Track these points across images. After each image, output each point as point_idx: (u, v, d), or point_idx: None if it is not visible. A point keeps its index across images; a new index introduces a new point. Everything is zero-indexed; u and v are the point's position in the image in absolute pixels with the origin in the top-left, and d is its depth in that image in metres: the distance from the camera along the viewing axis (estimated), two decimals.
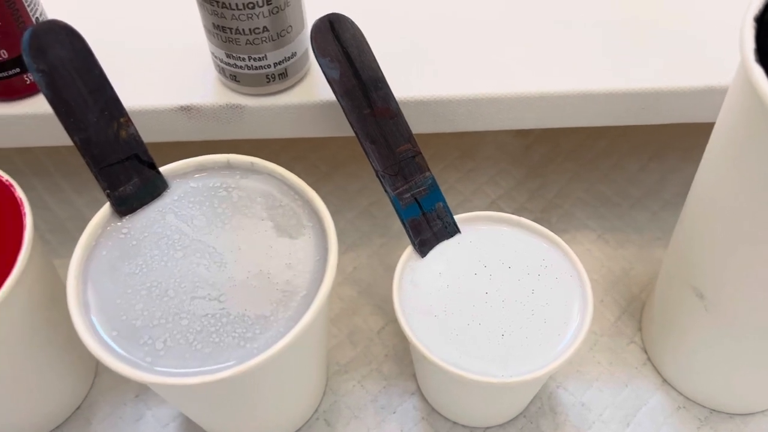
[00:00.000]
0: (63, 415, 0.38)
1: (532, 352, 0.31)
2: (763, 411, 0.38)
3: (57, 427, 0.38)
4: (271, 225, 0.31)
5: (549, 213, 0.45)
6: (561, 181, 0.47)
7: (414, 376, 0.39)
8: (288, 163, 0.33)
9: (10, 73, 0.34)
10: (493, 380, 0.30)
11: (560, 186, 0.46)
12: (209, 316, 0.28)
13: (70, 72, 0.29)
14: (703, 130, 0.32)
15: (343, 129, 0.37)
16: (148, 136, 0.32)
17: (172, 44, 0.38)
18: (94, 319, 0.28)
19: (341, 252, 0.44)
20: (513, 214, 0.36)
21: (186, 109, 0.36)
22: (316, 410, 0.38)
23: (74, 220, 0.46)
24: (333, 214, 0.31)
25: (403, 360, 0.40)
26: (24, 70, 0.35)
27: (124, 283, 0.29)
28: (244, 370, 0.26)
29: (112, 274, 0.29)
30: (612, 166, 0.47)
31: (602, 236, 0.44)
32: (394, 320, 0.42)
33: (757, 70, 0.23)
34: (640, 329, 0.41)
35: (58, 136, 0.36)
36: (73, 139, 0.30)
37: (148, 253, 0.30)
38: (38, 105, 0.36)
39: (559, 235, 0.35)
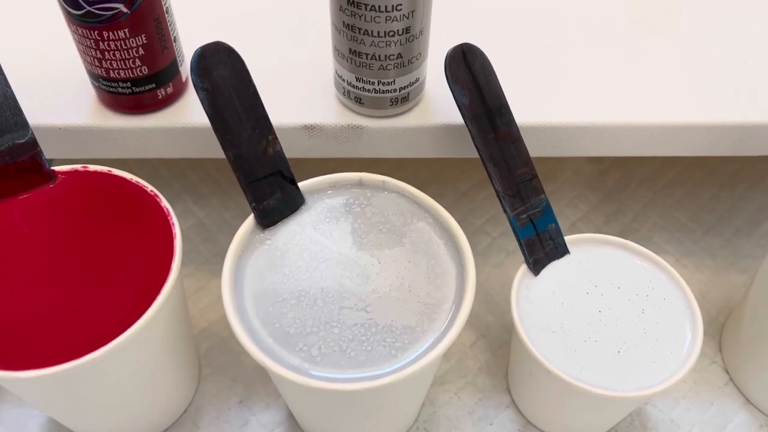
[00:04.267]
0: (171, 419, 0.40)
1: (648, 368, 0.33)
2: None
3: (167, 430, 0.39)
4: (406, 241, 0.33)
5: (627, 236, 0.47)
6: (636, 206, 0.49)
7: (507, 390, 0.41)
8: None
9: (146, 88, 0.36)
10: (614, 394, 0.32)
11: (636, 211, 0.49)
12: (358, 325, 0.30)
13: (229, 91, 0.31)
14: None
15: (454, 150, 0.39)
16: None
17: (293, 64, 0.40)
18: (253, 325, 0.29)
19: None
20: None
21: (309, 128, 0.37)
22: (416, 420, 0.40)
23: (196, 230, 0.48)
24: None
25: (496, 374, 0.42)
26: (158, 86, 0.36)
27: (274, 291, 0.31)
28: (403, 377, 0.28)
29: (261, 283, 0.31)
30: (685, 194, 0.49)
31: (680, 260, 0.46)
32: (484, 335, 0.43)
33: None
34: (720, 350, 0.43)
35: (180, 146, 0.39)
36: (227, 155, 0.31)
37: (293, 263, 0.32)
38: (165, 119, 0.37)
39: None
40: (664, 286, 0.36)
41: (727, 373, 0.42)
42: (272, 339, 0.29)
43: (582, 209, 0.49)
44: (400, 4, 0.32)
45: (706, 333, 0.43)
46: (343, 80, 0.36)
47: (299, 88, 0.39)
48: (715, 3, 0.44)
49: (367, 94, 0.36)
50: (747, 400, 0.41)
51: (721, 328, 0.44)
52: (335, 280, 0.31)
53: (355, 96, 0.37)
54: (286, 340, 0.29)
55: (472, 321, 0.44)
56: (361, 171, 0.35)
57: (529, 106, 0.37)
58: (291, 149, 0.38)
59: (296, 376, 0.28)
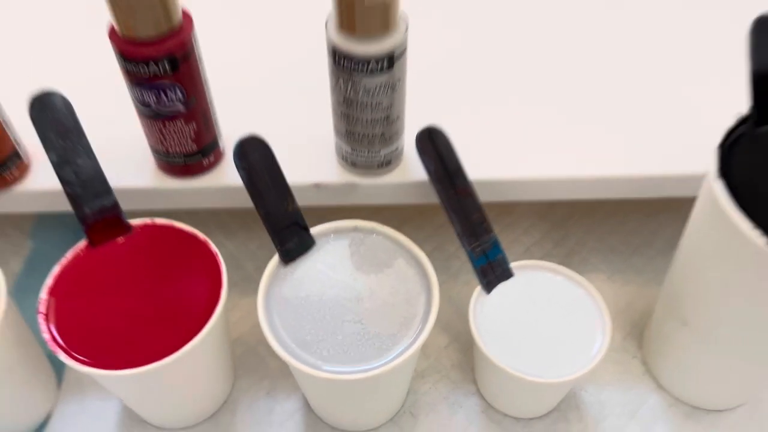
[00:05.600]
0: (215, 408, 0.51)
1: (569, 361, 0.45)
2: (731, 408, 0.51)
3: (212, 416, 0.51)
4: (390, 271, 0.45)
5: (570, 258, 0.59)
6: (578, 233, 0.61)
7: (474, 381, 0.53)
8: (368, 217, 0.47)
9: (194, 159, 0.48)
10: (542, 380, 0.44)
11: (578, 237, 0.61)
12: (355, 334, 0.42)
13: (261, 168, 0.43)
14: (686, 199, 0.46)
15: (426, 199, 0.51)
16: None
17: (306, 136, 0.52)
18: (280, 335, 0.41)
19: None
20: (542, 258, 0.50)
21: (317, 186, 0.49)
22: (403, 405, 0.52)
23: (228, 259, 0.59)
24: None
25: (464, 369, 0.54)
26: (203, 157, 0.48)
27: (294, 310, 0.43)
28: (387, 370, 0.40)
29: (285, 304, 0.43)
30: (617, 222, 0.61)
31: (611, 277, 0.58)
32: (456, 339, 0.55)
33: (718, 183, 0.37)
34: (640, 348, 0.55)
35: (218, 201, 0.51)
36: (259, 213, 0.43)
37: (308, 289, 0.44)
38: (207, 181, 0.50)
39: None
40: (583, 299, 0.47)
41: (645, 365, 0.54)
42: (294, 344, 0.41)
43: (535, 236, 0.61)
44: (381, 102, 0.44)
45: (630, 334, 0.55)
46: (342, 150, 0.48)
47: (309, 155, 0.51)
48: (620, 66, 0.56)
49: (359, 160, 0.48)
50: (659, 385, 0.53)
51: (641, 330, 0.55)
52: (338, 302, 0.43)
53: (351, 161, 0.49)
54: (304, 344, 0.41)
55: (446, 328, 0.56)
56: (360, 215, 0.48)
57: (480, 166, 0.49)
58: (304, 200, 0.50)
59: (311, 370, 0.40)
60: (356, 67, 0.42)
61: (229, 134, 0.49)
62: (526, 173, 0.50)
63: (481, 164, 0.49)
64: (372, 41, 0.41)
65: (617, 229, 0.61)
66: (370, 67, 0.41)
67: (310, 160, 0.50)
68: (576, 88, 0.55)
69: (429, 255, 0.59)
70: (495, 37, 0.60)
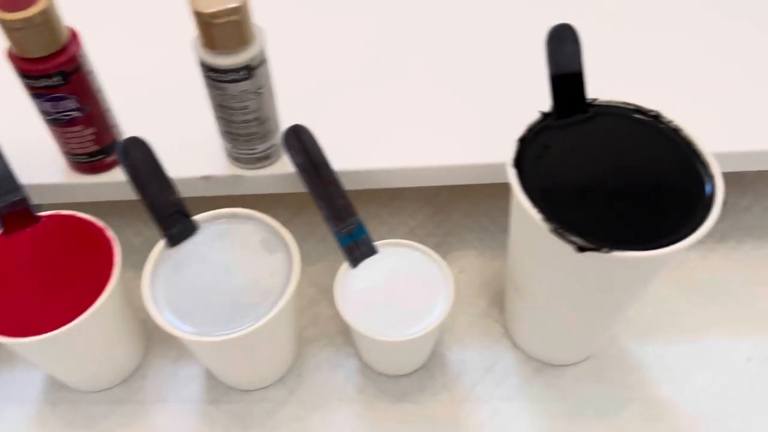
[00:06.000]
0: (128, 373, 0.59)
1: (417, 323, 0.52)
2: (574, 363, 0.59)
3: (124, 381, 0.59)
4: (260, 251, 0.52)
5: (449, 237, 0.67)
6: (456, 215, 0.68)
7: (353, 345, 0.61)
8: (267, 207, 0.54)
9: (98, 158, 0.56)
10: (390, 339, 0.52)
11: (456, 219, 0.68)
12: (226, 304, 0.49)
13: (142, 165, 0.50)
14: None
15: (300, 188, 0.58)
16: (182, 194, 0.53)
17: (196, 137, 0.59)
18: (161, 306, 0.49)
19: (308, 264, 0.65)
20: (425, 238, 0.57)
21: (206, 178, 0.57)
22: (291, 366, 0.59)
23: (144, 244, 0.67)
24: (299, 240, 0.53)
25: (346, 335, 0.61)
26: (105, 156, 0.56)
27: (176, 286, 0.50)
28: (249, 332, 0.47)
29: (167, 281, 0.50)
30: (489, 205, 0.69)
31: (482, 253, 0.66)
32: None
33: (511, 170, 0.45)
34: (501, 313, 0.62)
35: (123, 194, 0.58)
36: (144, 202, 0.51)
37: (189, 268, 0.51)
38: (112, 177, 0.57)
39: (453, 252, 0.56)
40: (432, 270, 0.55)
41: (504, 328, 0.62)
42: (173, 315, 0.49)
43: (419, 218, 0.68)
44: (248, 106, 0.51)
45: (493, 302, 0.63)
46: (226, 147, 0.56)
47: (200, 152, 0.58)
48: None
49: (241, 155, 0.56)
50: (514, 344, 0.60)
51: (502, 299, 0.63)
52: (214, 278, 0.50)
53: (234, 157, 0.56)
54: (183, 314, 0.49)
55: (332, 301, 0.63)
56: (263, 203, 0.55)
57: (342, 158, 0.56)
58: (195, 192, 0.58)
59: (184, 334, 0.47)
60: (221, 77, 0.49)
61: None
62: (378, 164, 0.57)
63: (342, 157, 0.56)
64: (230, 55, 0.48)
65: (488, 212, 0.69)
66: (231, 76, 0.49)
67: (201, 156, 0.58)
68: (430, 90, 0.63)
69: (322, 238, 0.68)
70: (360, 44, 0.67)
